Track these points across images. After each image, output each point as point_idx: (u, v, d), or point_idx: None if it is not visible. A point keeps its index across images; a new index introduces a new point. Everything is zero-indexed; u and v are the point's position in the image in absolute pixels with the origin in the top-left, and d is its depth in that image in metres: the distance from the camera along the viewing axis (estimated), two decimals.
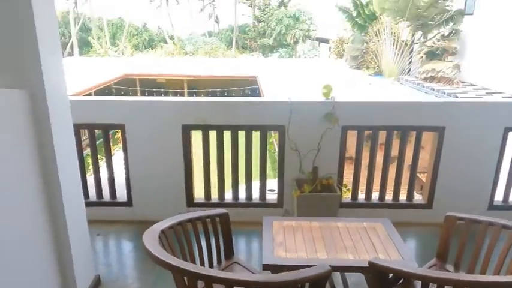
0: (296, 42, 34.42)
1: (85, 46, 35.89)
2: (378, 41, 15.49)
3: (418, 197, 3.95)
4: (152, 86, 18.68)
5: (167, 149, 3.58)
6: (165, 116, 3.56)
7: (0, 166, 1.81)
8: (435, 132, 3.63)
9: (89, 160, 3.78)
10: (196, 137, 3.66)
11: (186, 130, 3.53)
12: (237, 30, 38.76)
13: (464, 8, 12.33)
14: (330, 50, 23.32)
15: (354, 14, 16.36)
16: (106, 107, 3.61)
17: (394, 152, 3.73)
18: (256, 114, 3.61)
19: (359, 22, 16.30)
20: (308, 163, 3.59)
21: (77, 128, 2.89)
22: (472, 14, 12.05)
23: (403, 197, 3.87)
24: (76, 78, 14.47)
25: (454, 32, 12.68)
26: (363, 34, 16.30)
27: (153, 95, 18.33)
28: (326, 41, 24.55)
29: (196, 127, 3.54)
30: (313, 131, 3.53)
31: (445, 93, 10.23)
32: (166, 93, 18.15)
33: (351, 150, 3.73)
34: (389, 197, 3.88)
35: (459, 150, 3.62)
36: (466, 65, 11.85)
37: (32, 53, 1.98)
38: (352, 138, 3.64)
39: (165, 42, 37.43)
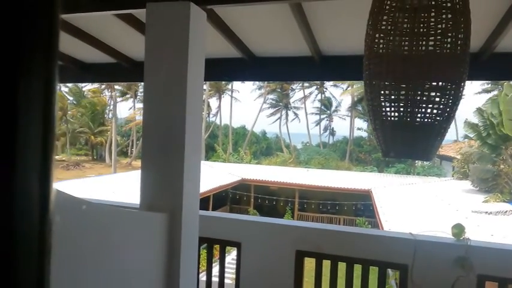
0: None
1: (211, 151, 40.20)
2: None
3: None
4: (265, 192, 19.46)
5: (279, 273, 3.51)
6: (280, 239, 3.56)
7: (134, 272, 1.99)
8: None
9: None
10: (308, 265, 3.53)
11: (300, 257, 3.45)
12: (351, 143, 39.34)
13: None
14: (453, 169, 21.70)
15: (484, 134, 15.25)
16: (224, 224, 3.81)
17: None
18: (375, 247, 3.37)
19: (489, 142, 15.06)
20: None
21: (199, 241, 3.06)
22: None
23: None
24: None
25: None
26: (494, 156, 14.89)
27: (265, 202, 18.98)
28: (449, 159, 23.03)
29: (310, 254, 3.44)
30: (442, 276, 3.09)
31: None
32: (277, 201, 18.60)
33: None
34: None
35: None
36: None
37: (178, 182, 2.27)
38: None
39: (281, 151, 39.73)
